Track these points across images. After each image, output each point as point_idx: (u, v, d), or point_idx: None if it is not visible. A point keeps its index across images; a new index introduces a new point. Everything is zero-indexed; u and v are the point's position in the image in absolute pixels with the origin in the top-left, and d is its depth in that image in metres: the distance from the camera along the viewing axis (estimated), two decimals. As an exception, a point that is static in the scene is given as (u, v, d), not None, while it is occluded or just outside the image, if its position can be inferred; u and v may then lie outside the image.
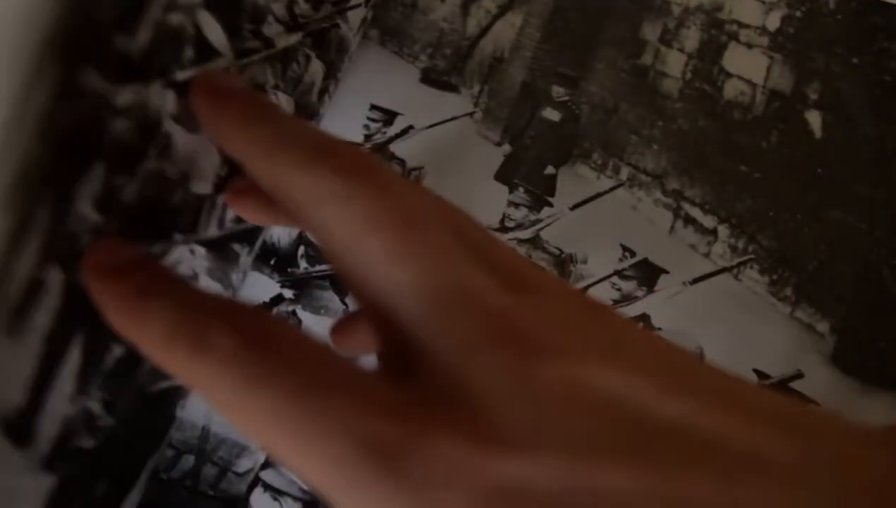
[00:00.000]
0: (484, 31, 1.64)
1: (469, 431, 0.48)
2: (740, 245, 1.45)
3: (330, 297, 1.69)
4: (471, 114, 1.60)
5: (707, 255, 1.47)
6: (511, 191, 1.61)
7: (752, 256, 1.48)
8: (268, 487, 1.46)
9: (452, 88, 1.61)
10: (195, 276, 1.32)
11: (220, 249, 1.43)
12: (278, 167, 0.69)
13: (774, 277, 1.45)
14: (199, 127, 1.06)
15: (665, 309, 1.50)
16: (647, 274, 1.55)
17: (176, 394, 1.42)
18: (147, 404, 1.29)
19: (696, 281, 1.51)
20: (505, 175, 1.57)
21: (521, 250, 1.55)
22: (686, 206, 1.48)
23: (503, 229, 1.62)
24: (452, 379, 0.52)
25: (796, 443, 0.56)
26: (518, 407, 0.50)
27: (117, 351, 1.10)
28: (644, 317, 1.55)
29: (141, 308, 0.63)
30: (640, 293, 1.56)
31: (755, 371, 1.45)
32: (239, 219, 1.46)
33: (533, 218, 1.60)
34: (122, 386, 1.02)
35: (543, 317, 0.56)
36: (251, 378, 0.54)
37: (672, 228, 1.49)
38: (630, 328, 0.61)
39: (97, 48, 0.84)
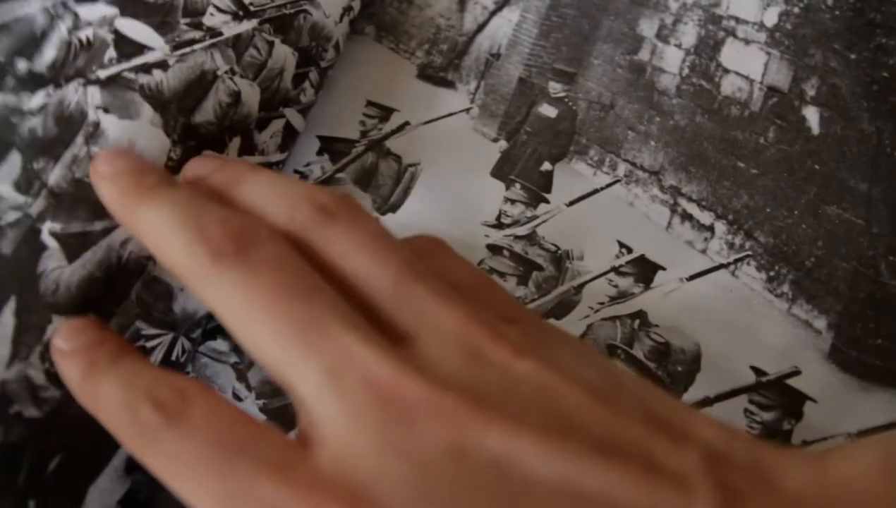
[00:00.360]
0: (480, 27, 1.64)
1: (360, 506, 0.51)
2: (737, 241, 1.44)
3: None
4: (467, 111, 1.59)
5: (704, 252, 1.47)
6: (507, 188, 1.61)
7: (750, 253, 1.47)
8: (262, 484, 1.45)
9: (449, 85, 1.61)
10: (150, 258, 1.31)
11: None
12: (166, 250, 0.73)
13: (772, 274, 1.44)
14: (135, 114, 1.16)
15: (662, 306, 1.49)
16: (644, 271, 1.54)
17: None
18: None
19: (693, 277, 1.50)
20: (501, 171, 1.57)
21: (518, 247, 1.54)
22: (683, 202, 1.48)
23: (499, 226, 1.61)
24: (344, 453, 0.55)
25: (683, 501, 0.53)
26: (401, 478, 0.52)
27: (59, 322, 1.14)
28: (640, 314, 1.54)
29: (91, 388, 0.71)
30: (636, 289, 1.55)
31: (752, 368, 1.45)
32: None
33: (529, 214, 1.59)
34: None
35: (425, 377, 0.56)
36: (174, 451, 0.61)
37: (669, 224, 1.48)
38: (518, 368, 0.59)
39: None
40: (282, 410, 1.57)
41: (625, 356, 1.48)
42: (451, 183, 1.60)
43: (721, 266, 1.49)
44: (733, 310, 1.48)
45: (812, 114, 1.51)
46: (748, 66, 1.55)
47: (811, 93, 1.51)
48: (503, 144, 1.64)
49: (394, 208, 1.66)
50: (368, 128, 1.65)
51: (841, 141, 1.47)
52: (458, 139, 1.63)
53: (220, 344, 1.56)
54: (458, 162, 1.62)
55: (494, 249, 1.61)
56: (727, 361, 1.47)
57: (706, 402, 1.43)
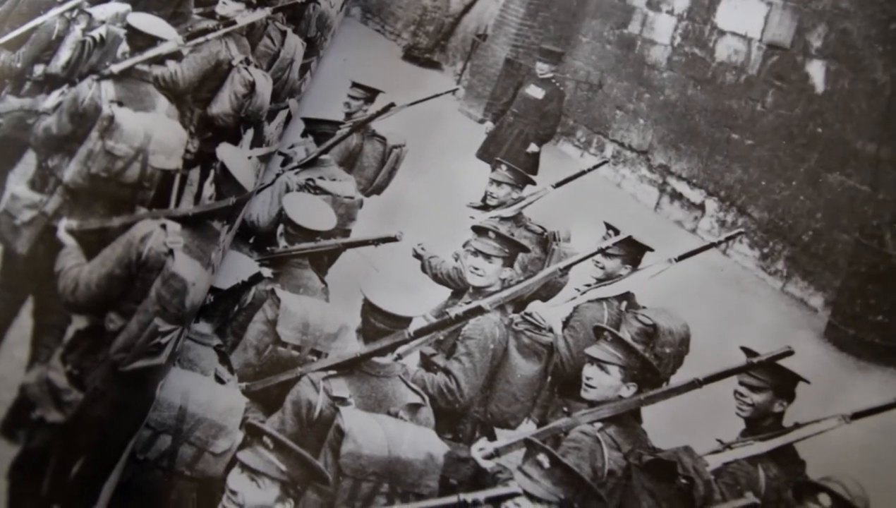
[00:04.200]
0: (467, 7, 1.63)
1: None
2: (729, 218, 1.40)
3: (309, 276, 1.67)
4: (453, 92, 1.58)
5: (694, 231, 1.43)
6: (493, 169, 1.59)
7: (742, 230, 1.43)
8: (245, 468, 1.42)
9: (435, 66, 1.60)
10: (170, 253, 1.31)
11: (198, 226, 1.43)
12: None
13: (765, 250, 1.40)
14: (150, 106, 1.18)
15: (650, 287, 1.47)
16: (632, 252, 1.50)
17: (155, 374, 1.40)
18: (122, 382, 1.29)
19: (682, 257, 1.46)
20: (487, 153, 1.56)
21: (504, 228, 1.52)
22: (672, 181, 1.44)
23: (485, 207, 1.60)
24: None
25: None
26: None
27: (78, 322, 1.12)
28: (628, 296, 1.50)
29: None
30: (624, 271, 1.52)
31: (743, 349, 1.40)
32: (218, 196, 1.46)
33: (515, 196, 1.57)
34: (89, 361, 1.05)
35: None
36: None
37: (658, 205, 1.45)
38: None
39: (16, 80, 1.05)
40: (263, 393, 1.56)
41: (612, 338, 1.44)
42: (436, 164, 1.60)
43: (712, 245, 1.44)
44: (724, 290, 1.44)
45: (817, 70, 1.44)
46: (747, 22, 1.49)
47: (817, 44, 1.43)
48: (489, 125, 1.63)
49: (378, 190, 1.65)
50: (353, 109, 1.64)
51: (848, 97, 1.40)
52: (444, 120, 1.62)
53: (202, 327, 1.55)
54: (443, 143, 1.61)
55: (480, 231, 1.59)
56: (717, 342, 1.43)
57: (695, 384, 1.39)
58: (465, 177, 1.59)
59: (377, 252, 1.66)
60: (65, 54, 1.26)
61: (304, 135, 1.71)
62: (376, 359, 1.56)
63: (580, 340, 1.58)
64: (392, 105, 1.63)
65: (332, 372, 1.56)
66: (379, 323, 1.57)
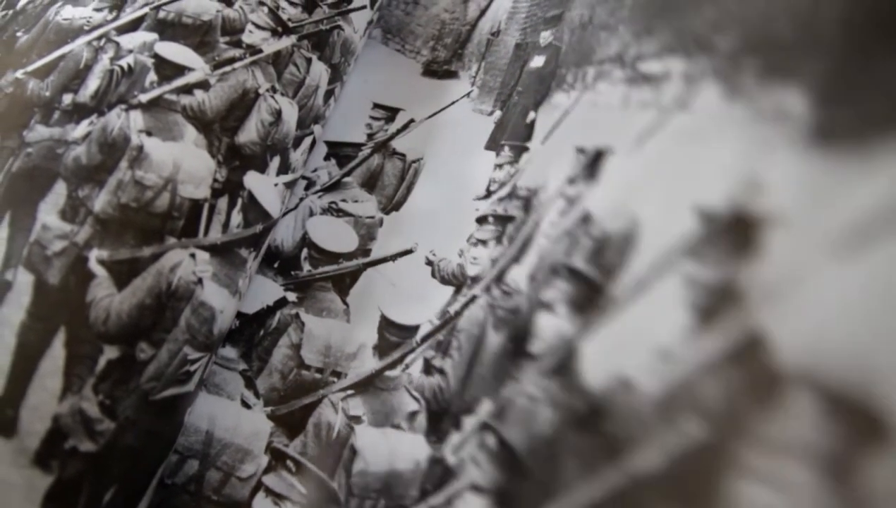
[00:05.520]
0: (483, 11, 1.61)
1: None
2: (697, 69, 1.08)
3: (332, 298, 1.59)
4: (468, 95, 1.54)
5: (659, 106, 1.13)
6: (497, 155, 1.44)
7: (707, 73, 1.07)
8: (269, 492, 1.37)
9: (452, 75, 1.59)
10: (199, 282, 1.37)
11: (226, 254, 1.48)
12: None
13: (733, 79, 1.02)
14: (179, 136, 1.19)
15: (606, 193, 1.14)
16: (593, 165, 1.16)
17: (184, 401, 1.40)
18: (153, 411, 1.27)
19: (641, 140, 1.10)
20: (493, 141, 1.47)
21: (500, 208, 1.38)
22: (642, 67, 1.18)
23: (488, 195, 1.44)
24: None
25: None
26: None
27: (110, 352, 1.12)
28: (587, 217, 1.17)
29: None
30: (584, 189, 1.17)
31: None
32: (246, 224, 1.51)
33: (513, 171, 1.38)
34: (121, 390, 1.09)
35: None
36: None
37: (625, 101, 1.19)
38: None
39: (45, 109, 1.16)
40: (287, 416, 1.49)
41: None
42: (449, 168, 1.51)
43: (672, 111, 1.05)
44: (686, 151, 1.03)
45: None
46: None
47: None
48: (497, 114, 1.49)
49: (398, 206, 1.56)
50: (375, 130, 1.62)
51: None
52: (459, 124, 1.54)
53: (228, 352, 1.56)
54: (457, 146, 1.53)
55: (481, 220, 1.41)
56: (668, 207, 1.00)
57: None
58: (473, 172, 1.46)
59: (393, 266, 1.54)
60: (93, 83, 1.27)
61: (326, 158, 1.71)
62: (388, 373, 1.43)
63: (538, 287, 1.21)
64: (412, 121, 1.59)
65: (350, 392, 1.44)
66: (392, 337, 1.47)
